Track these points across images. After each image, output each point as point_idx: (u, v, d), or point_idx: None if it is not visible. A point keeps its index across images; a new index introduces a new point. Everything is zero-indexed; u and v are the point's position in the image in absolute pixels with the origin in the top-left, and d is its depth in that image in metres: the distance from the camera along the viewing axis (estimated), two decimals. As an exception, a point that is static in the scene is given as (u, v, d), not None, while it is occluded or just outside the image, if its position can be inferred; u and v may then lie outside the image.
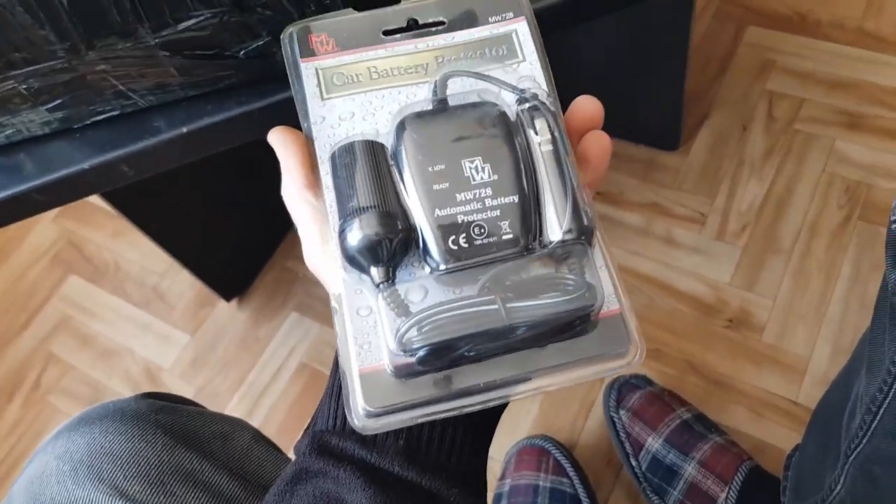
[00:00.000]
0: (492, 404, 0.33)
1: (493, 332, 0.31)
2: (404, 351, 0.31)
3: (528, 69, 0.39)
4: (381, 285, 0.33)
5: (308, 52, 0.39)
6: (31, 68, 0.47)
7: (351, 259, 0.33)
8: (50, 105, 0.50)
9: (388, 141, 0.36)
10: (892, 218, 0.45)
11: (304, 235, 0.38)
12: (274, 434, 1.07)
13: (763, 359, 0.98)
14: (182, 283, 1.25)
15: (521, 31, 0.40)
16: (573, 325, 0.33)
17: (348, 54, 0.39)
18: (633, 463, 0.90)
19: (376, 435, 0.36)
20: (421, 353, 0.31)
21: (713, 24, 1.27)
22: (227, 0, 0.45)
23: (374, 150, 0.35)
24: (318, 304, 1.18)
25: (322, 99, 0.38)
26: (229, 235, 1.17)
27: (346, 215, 0.34)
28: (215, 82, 0.51)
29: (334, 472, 0.35)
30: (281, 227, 1.24)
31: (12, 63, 0.46)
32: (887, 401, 0.49)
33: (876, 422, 0.51)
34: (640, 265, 1.08)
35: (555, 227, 0.34)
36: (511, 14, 0.40)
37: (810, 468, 0.70)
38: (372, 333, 0.33)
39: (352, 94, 0.38)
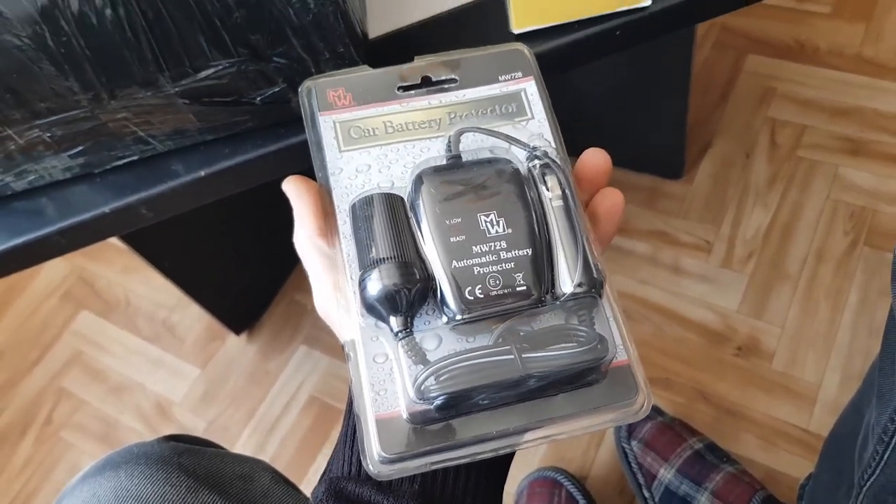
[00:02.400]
0: (503, 451, 0.33)
1: (508, 382, 0.32)
2: (422, 399, 0.32)
3: (536, 126, 0.40)
4: (399, 334, 0.34)
5: (326, 106, 0.40)
6: (56, 117, 0.48)
7: (370, 308, 0.34)
8: (72, 151, 0.51)
9: (404, 193, 0.37)
10: (898, 250, 0.46)
11: (316, 282, 0.38)
12: (285, 467, 1.07)
13: (773, 386, 0.99)
14: (192, 316, 1.26)
15: (530, 90, 0.42)
16: (585, 375, 0.34)
17: (365, 109, 0.40)
18: (647, 494, 0.90)
19: (391, 479, 0.36)
20: (438, 401, 0.32)
21: (713, 54, 1.29)
22: (244, 50, 0.46)
23: (392, 202, 0.36)
24: (326, 337, 1.18)
25: (340, 151, 0.39)
26: (238, 269, 1.19)
27: (366, 265, 0.35)
28: (232, 127, 0.52)
29: None
30: (289, 260, 1.25)
31: (37, 112, 0.47)
32: (899, 431, 0.49)
33: (888, 452, 0.51)
34: (649, 294, 1.09)
35: (566, 280, 0.35)
36: (520, 73, 0.42)
37: (824, 498, 0.70)
38: (388, 380, 0.34)
39: (368, 146, 0.39)
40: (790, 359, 1.00)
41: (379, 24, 0.57)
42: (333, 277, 0.37)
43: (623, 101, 1.12)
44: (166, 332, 1.26)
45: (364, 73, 0.41)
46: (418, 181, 0.37)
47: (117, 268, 1.34)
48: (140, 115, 0.49)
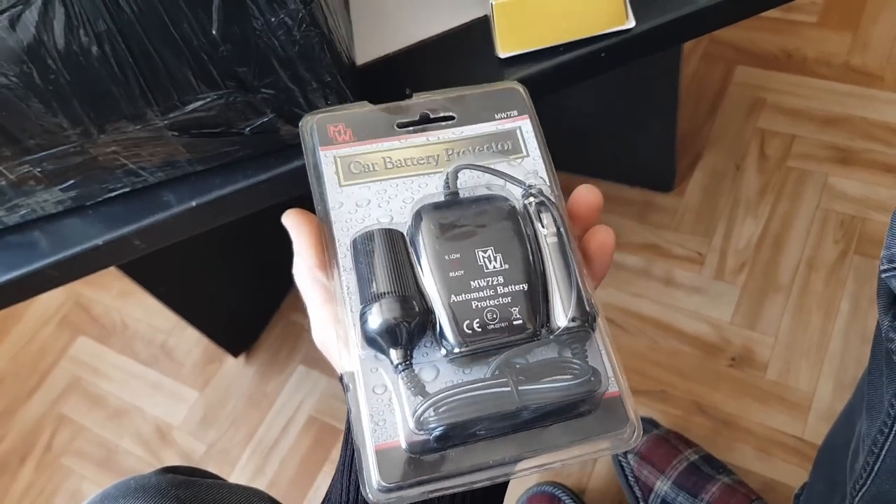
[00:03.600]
0: (499, 480, 0.34)
1: (505, 413, 0.33)
2: (421, 430, 0.33)
3: (531, 164, 0.42)
4: (399, 366, 0.34)
5: (327, 141, 0.41)
6: (45, 153, 0.49)
7: (370, 340, 0.35)
8: (63, 185, 0.52)
9: (403, 227, 0.38)
10: (882, 267, 0.46)
11: (314, 314, 0.39)
12: (286, 487, 1.07)
13: (767, 396, 0.99)
14: (189, 340, 1.26)
15: (525, 128, 0.43)
16: (578, 406, 0.34)
17: (364, 144, 0.41)
18: (644, 506, 0.91)
19: None
20: (437, 431, 0.33)
21: (702, 66, 1.30)
22: (231, 83, 0.47)
23: (392, 237, 0.37)
24: (324, 358, 1.18)
25: (340, 185, 0.40)
26: (234, 291, 1.19)
27: (367, 300, 0.35)
28: (222, 157, 0.53)
29: None
30: (285, 281, 1.25)
31: (27, 149, 0.48)
32: (888, 442, 0.50)
33: (879, 463, 0.51)
34: (643, 307, 1.09)
35: (560, 314, 0.36)
36: (515, 112, 0.43)
37: (819, 507, 0.70)
38: (387, 411, 0.34)
39: (368, 182, 0.40)
40: (784, 368, 1.00)
41: (366, 50, 0.58)
42: (332, 310, 0.38)
43: (612, 115, 1.13)
44: (164, 355, 1.26)
45: (364, 108, 0.42)
46: (418, 217, 0.38)
47: (113, 293, 1.35)
48: (130, 149, 0.50)
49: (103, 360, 1.28)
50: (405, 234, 0.38)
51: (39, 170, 0.50)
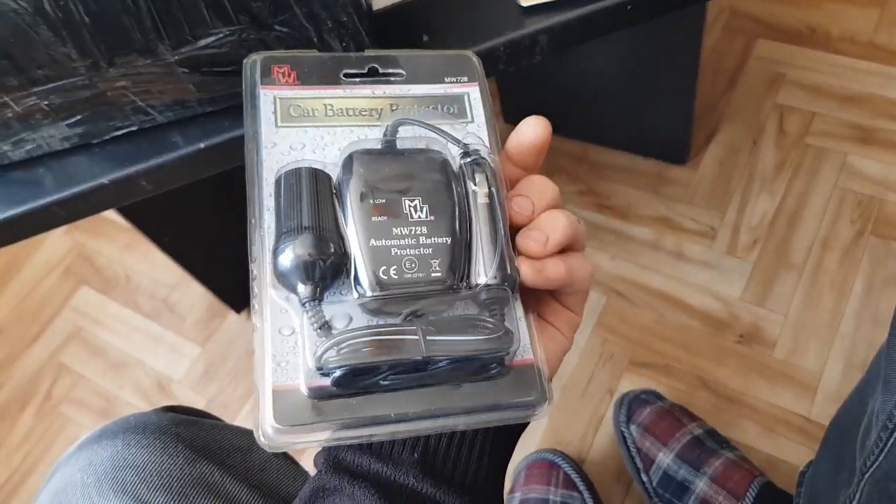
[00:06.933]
0: (402, 436, 0.34)
1: (409, 363, 0.32)
2: (321, 370, 0.32)
3: (475, 130, 0.41)
4: (306, 303, 0.33)
5: (269, 81, 0.40)
6: (53, 84, 0.47)
7: (282, 276, 0.34)
8: (70, 121, 0.50)
9: (334, 174, 0.37)
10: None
11: None
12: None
13: (775, 374, 0.98)
14: (192, 294, 1.25)
15: (473, 95, 0.42)
16: (488, 366, 0.34)
17: (307, 89, 0.40)
18: (644, 478, 0.90)
19: (392, 447, 0.36)
20: (337, 373, 0.32)
21: (723, 38, 1.27)
22: (245, 18, 0.45)
23: (318, 177, 0.36)
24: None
25: (276, 126, 0.39)
26: (239, 247, 1.18)
27: (282, 234, 0.34)
28: (232, 98, 0.51)
29: (349, 489, 0.36)
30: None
31: (34, 79, 0.47)
32: (903, 418, 0.49)
33: (892, 439, 0.50)
34: (651, 280, 1.08)
35: (482, 274, 0.35)
36: (466, 78, 0.42)
37: (824, 485, 0.69)
38: (291, 353, 0.33)
39: (305, 126, 0.39)
40: (792, 347, 0.99)
41: (384, -4, 0.56)
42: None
43: (630, 84, 1.11)
44: (167, 309, 1.25)
45: (313, 54, 0.41)
46: (349, 160, 0.37)
47: (118, 245, 1.34)
48: (139, 84, 0.49)
49: (105, 312, 1.27)
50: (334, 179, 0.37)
51: (46, 103, 0.48)
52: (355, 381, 0.32)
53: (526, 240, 0.36)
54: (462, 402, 0.34)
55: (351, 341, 0.32)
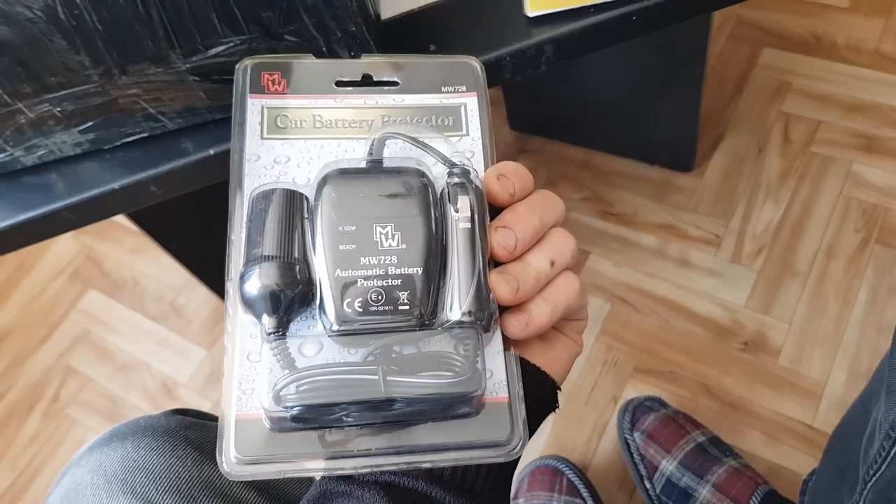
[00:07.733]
0: (363, 471, 0.33)
1: (369, 403, 0.31)
2: (279, 406, 0.31)
3: (469, 144, 0.39)
4: (270, 335, 0.33)
5: (258, 89, 0.39)
6: (66, 91, 0.48)
7: (247, 304, 0.33)
8: (82, 127, 0.51)
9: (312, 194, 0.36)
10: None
11: None
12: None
13: (779, 382, 0.98)
14: (199, 298, 1.26)
15: (471, 105, 0.40)
16: (455, 407, 0.33)
17: (297, 98, 0.39)
18: (648, 485, 0.90)
19: None
20: (294, 411, 0.31)
21: (728, 46, 1.28)
22: (255, 28, 0.46)
23: (291, 200, 0.35)
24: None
25: (262, 138, 0.37)
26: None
27: (249, 260, 0.33)
28: (242, 106, 0.52)
29: (358, 492, 0.36)
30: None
31: (48, 86, 0.47)
32: (906, 427, 0.49)
33: (895, 448, 0.51)
34: (656, 287, 1.09)
35: (455, 307, 0.34)
36: (464, 88, 0.40)
37: (827, 493, 0.69)
38: (257, 380, 0.32)
39: (292, 138, 0.38)
40: (797, 355, 0.99)
41: (392, 5, 0.57)
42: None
43: (636, 92, 1.11)
44: (173, 312, 1.26)
45: (306, 60, 0.40)
46: (322, 182, 0.35)
47: (125, 248, 1.35)
48: (150, 92, 0.49)
49: (113, 315, 1.28)
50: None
51: (59, 109, 0.49)
52: (314, 417, 0.32)
53: (500, 283, 0.34)
54: (429, 440, 0.32)
55: (310, 380, 0.31)
